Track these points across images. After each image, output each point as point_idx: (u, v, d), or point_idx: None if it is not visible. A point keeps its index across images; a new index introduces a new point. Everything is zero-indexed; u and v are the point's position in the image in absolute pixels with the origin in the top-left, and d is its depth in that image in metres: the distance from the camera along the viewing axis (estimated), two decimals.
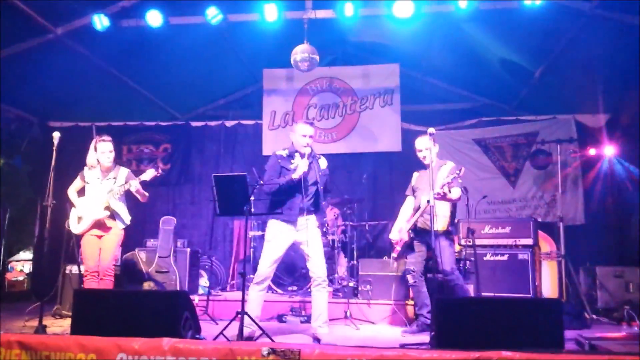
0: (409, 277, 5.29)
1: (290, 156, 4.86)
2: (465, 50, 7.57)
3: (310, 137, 4.82)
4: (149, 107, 8.85)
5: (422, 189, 5.18)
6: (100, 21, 6.19)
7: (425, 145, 5.09)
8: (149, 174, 5.19)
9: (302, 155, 4.78)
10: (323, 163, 4.97)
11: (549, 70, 7.17)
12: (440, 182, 4.83)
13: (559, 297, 6.24)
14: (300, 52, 6.55)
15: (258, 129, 8.75)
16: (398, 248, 5.40)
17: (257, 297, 4.78)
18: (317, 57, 6.66)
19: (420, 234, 5.19)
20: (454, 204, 5.20)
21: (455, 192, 4.98)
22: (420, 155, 5.22)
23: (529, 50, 7.09)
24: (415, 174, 5.49)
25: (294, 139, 4.90)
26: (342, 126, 8.51)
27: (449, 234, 5.16)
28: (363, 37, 8.14)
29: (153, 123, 8.98)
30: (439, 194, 4.71)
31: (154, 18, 6.27)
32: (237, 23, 6.70)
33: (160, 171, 5.27)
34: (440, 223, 5.03)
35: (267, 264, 4.77)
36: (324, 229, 6.97)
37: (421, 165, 5.31)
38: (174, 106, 9.19)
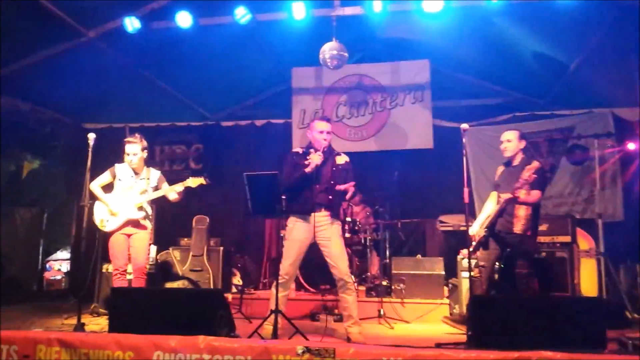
0: (475, 271, 5.08)
1: (306, 153, 4.83)
2: (497, 44, 7.42)
3: (327, 133, 4.80)
4: (181, 108, 8.93)
5: (502, 186, 5.09)
6: (131, 23, 6.26)
7: (507, 137, 5.09)
8: (196, 181, 5.20)
9: (317, 151, 4.76)
10: (340, 159, 4.91)
11: (585, 63, 6.96)
12: (523, 182, 4.78)
13: (598, 295, 6.08)
14: (329, 50, 6.52)
15: (288, 128, 8.75)
16: (474, 243, 5.17)
17: (280, 297, 4.76)
18: (346, 55, 6.62)
19: (499, 236, 5.00)
20: (534, 207, 4.94)
21: (534, 195, 4.86)
22: (501, 147, 5.18)
23: (564, 42, 6.91)
24: (500, 169, 5.33)
25: (311, 137, 4.91)
26: (372, 124, 8.44)
27: (526, 238, 4.88)
28: (392, 34, 8.05)
29: (184, 123, 9.09)
30: (513, 197, 4.69)
31: (183, 19, 6.31)
32: (266, 22, 6.69)
33: (208, 181, 5.24)
34: (520, 225, 4.87)
35: (286, 262, 4.73)
36: (356, 227, 6.93)
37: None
38: (205, 106, 9.25)
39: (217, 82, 8.34)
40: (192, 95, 8.76)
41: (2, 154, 7.65)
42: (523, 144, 5.14)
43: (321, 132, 4.81)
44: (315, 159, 4.63)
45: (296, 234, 4.75)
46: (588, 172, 7.39)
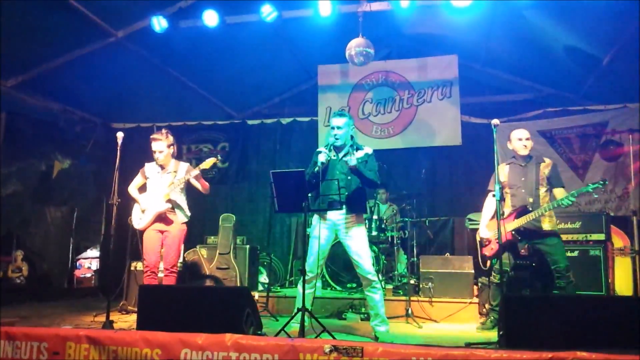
0: (498, 277, 4.96)
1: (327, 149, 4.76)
2: (527, 38, 7.27)
3: (339, 127, 4.68)
4: (207, 107, 9.00)
5: (520, 186, 4.97)
6: (159, 23, 6.31)
7: (526, 135, 5.01)
8: (209, 161, 5.23)
9: (329, 147, 4.71)
10: (360, 152, 4.72)
11: (618, 56, 6.76)
12: (542, 180, 4.80)
13: (633, 294, 5.90)
14: (355, 46, 6.46)
15: (313, 126, 8.73)
16: (493, 247, 5.08)
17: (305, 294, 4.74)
18: (373, 51, 6.56)
19: (526, 234, 4.93)
20: None
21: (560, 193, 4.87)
22: (520, 144, 5.03)
23: (596, 36, 6.72)
24: (505, 167, 5.15)
25: (329, 132, 4.84)
26: (399, 121, 8.36)
27: (557, 233, 4.94)
28: (419, 29, 7.96)
29: (211, 122, 9.15)
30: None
31: (210, 18, 6.33)
32: (291, 19, 6.67)
33: (219, 157, 5.28)
34: (549, 222, 4.88)
35: (309, 259, 4.66)
36: (382, 226, 6.87)
37: (479, 159, 5.13)
38: (231, 105, 9.30)
39: (244, 80, 8.37)
40: (218, 94, 8.81)
41: (33, 154, 7.79)
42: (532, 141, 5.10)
43: (332, 127, 4.74)
44: (320, 157, 4.56)
45: (318, 231, 4.70)
46: (622, 168, 7.20)
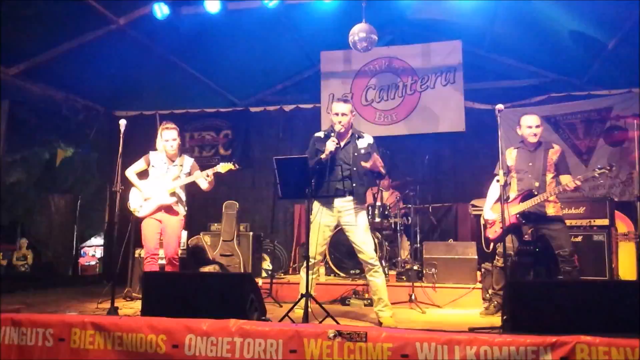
0: (502, 260, 4.91)
1: (327, 136, 4.67)
2: (531, 23, 7.21)
3: (343, 114, 4.65)
4: (209, 94, 8.97)
5: (527, 170, 4.96)
6: (160, 9, 6.28)
7: (536, 122, 4.96)
8: (226, 166, 5.23)
9: (342, 135, 4.66)
10: (363, 142, 4.71)
11: (624, 41, 6.70)
12: (550, 166, 4.81)
13: (637, 279, 5.90)
14: (358, 32, 6.42)
15: (316, 113, 8.69)
16: (497, 229, 5.07)
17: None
18: (376, 37, 6.51)
19: (530, 218, 4.93)
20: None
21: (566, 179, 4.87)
22: (530, 132, 4.97)
23: (602, 20, 6.65)
24: (512, 152, 5.14)
25: (332, 118, 4.77)
26: (402, 107, 8.32)
27: (561, 220, 4.95)
28: (423, 15, 7.90)
29: (213, 110, 9.12)
30: (577, 186, 4.71)
31: (212, 4, 6.30)
32: (294, 5, 6.64)
33: (237, 166, 5.26)
34: (554, 207, 4.90)
35: (311, 246, 4.64)
36: (385, 212, 6.86)
37: (481, 145, 5.11)
38: (233, 92, 9.27)
39: (246, 67, 8.34)
40: (221, 81, 8.79)
41: (36, 143, 7.80)
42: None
43: (336, 114, 4.67)
44: (329, 145, 4.50)
45: (319, 218, 4.70)
46: (627, 153, 7.16)
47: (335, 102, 4.81)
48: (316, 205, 4.76)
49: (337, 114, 4.67)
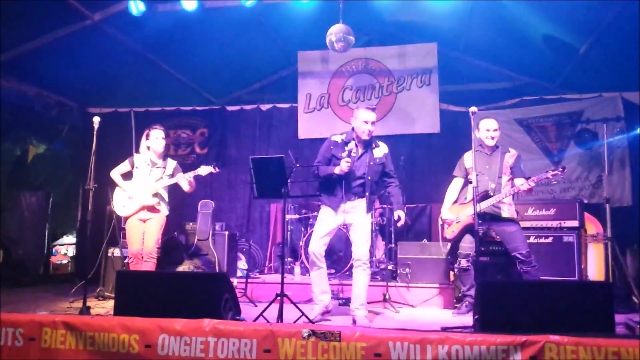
0: (463, 261, 5.15)
1: (346, 143, 4.69)
2: (506, 27, 7.32)
3: (372, 123, 4.66)
4: (186, 92, 8.90)
5: (484, 173, 5.01)
6: (136, 6, 6.21)
7: (494, 126, 5.04)
8: (205, 170, 5.38)
9: (360, 142, 4.69)
10: (379, 151, 4.77)
11: (595, 46, 6.85)
12: (506, 169, 4.93)
13: (605, 280, 6.04)
14: (336, 32, 6.45)
15: (293, 112, 8.70)
16: (454, 229, 5.20)
17: (315, 276, 4.90)
18: (353, 38, 6.54)
19: (486, 219, 5.00)
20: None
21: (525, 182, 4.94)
22: (487, 135, 5.06)
23: (574, 25, 6.79)
24: (469, 155, 5.15)
25: (355, 125, 4.72)
26: (378, 108, 8.32)
27: (516, 222, 5.04)
28: (400, 17, 7.96)
29: (189, 108, 9.05)
30: (530, 188, 4.78)
31: (189, 2, 6.25)
32: (272, 4, 6.63)
33: (217, 169, 5.43)
34: (509, 210, 4.98)
35: (314, 241, 4.78)
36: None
37: (461, 147, 5.20)
38: (210, 91, 9.22)
39: (223, 66, 8.29)
40: (197, 79, 8.73)
41: (7, 138, 7.65)
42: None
43: (366, 122, 4.63)
44: (343, 166, 4.52)
45: (327, 220, 4.78)
46: (596, 156, 7.31)
47: (363, 110, 4.70)
48: (323, 207, 4.87)
49: (366, 122, 4.65)
